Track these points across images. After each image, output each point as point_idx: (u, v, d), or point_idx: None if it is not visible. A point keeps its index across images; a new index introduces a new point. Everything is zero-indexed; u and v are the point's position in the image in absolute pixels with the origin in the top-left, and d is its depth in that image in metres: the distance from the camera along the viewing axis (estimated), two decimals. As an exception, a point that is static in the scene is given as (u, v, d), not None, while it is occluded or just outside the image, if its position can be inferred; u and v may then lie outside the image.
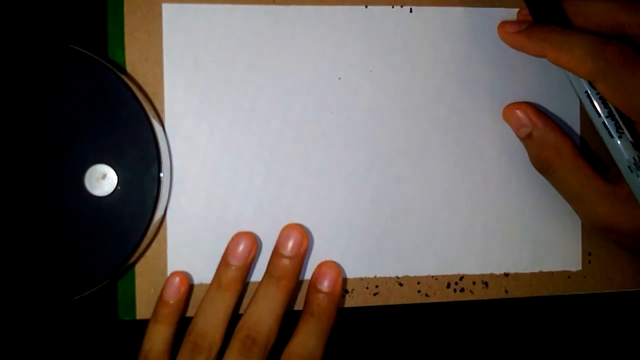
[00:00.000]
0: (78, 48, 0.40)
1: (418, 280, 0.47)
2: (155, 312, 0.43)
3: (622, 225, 0.42)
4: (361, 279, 0.46)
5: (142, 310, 0.45)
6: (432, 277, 0.47)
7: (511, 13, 0.47)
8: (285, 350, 0.43)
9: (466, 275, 0.47)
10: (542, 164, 0.44)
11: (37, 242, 0.40)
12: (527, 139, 0.45)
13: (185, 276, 0.44)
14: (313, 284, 0.45)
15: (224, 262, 0.44)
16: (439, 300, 0.47)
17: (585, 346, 0.49)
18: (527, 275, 0.48)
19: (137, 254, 0.42)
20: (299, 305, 0.46)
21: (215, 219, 0.45)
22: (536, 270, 0.48)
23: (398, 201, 0.47)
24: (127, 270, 0.44)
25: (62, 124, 0.40)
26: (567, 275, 0.48)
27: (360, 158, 0.46)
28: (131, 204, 0.41)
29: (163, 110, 0.44)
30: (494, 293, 0.47)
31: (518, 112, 0.45)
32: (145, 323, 0.44)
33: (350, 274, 0.46)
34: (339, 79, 0.46)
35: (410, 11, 0.46)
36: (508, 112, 0.46)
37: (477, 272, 0.47)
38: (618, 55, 0.39)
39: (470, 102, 0.47)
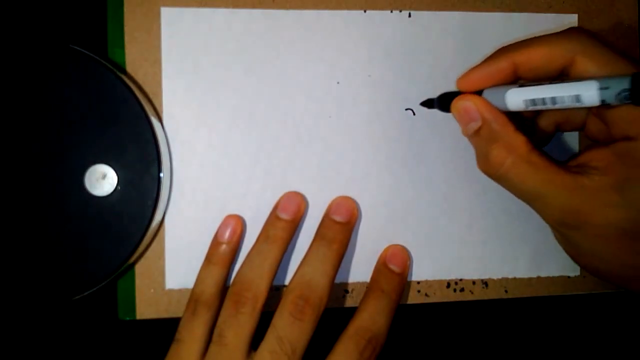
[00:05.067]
0: (78, 48, 0.39)
1: (418, 280, 0.46)
2: (208, 254, 0.43)
3: (594, 220, 0.36)
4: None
5: (142, 310, 0.44)
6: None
7: (509, 17, 0.46)
8: (352, 323, 0.41)
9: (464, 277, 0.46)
10: (492, 164, 0.38)
11: (37, 242, 0.39)
12: (475, 136, 0.39)
13: (240, 219, 0.43)
14: (383, 262, 0.44)
15: (274, 216, 0.43)
16: (439, 300, 0.46)
17: (585, 346, 0.48)
18: (527, 277, 0.46)
19: (137, 254, 0.41)
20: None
21: (213, 223, 0.44)
22: (534, 276, 0.46)
23: (396, 206, 0.45)
24: (127, 270, 0.43)
25: (62, 124, 0.39)
26: (566, 275, 0.47)
27: (359, 163, 0.45)
28: (131, 204, 0.40)
29: (162, 112, 0.43)
30: (494, 293, 0.46)
31: (467, 104, 0.39)
32: (145, 323, 0.43)
33: (347, 278, 0.45)
34: (338, 83, 0.45)
35: (409, 16, 0.45)
36: (456, 105, 0.39)
37: (476, 277, 0.46)
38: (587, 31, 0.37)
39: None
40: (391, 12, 0.45)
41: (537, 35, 0.40)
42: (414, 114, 0.44)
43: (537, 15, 0.45)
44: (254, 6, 0.44)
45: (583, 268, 0.41)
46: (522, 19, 0.45)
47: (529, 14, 0.45)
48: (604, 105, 0.34)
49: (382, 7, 0.45)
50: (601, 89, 0.34)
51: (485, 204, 0.46)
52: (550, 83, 0.36)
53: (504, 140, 0.38)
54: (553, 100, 0.36)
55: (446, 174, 0.45)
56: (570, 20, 0.46)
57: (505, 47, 0.39)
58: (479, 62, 0.40)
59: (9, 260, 0.39)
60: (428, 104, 0.44)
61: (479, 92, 0.39)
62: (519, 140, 0.37)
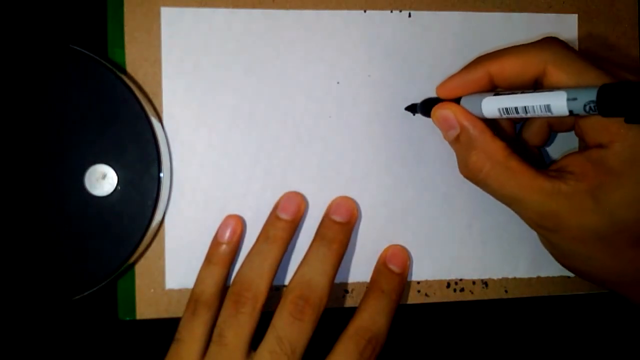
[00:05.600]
0: (78, 48, 0.39)
1: (418, 280, 0.46)
2: (208, 254, 0.43)
3: (570, 223, 0.37)
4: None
5: (142, 310, 0.44)
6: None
7: (509, 17, 0.46)
8: (352, 323, 0.41)
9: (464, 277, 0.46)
10: (470, 170, 0.39)
11: (37, 242, 0.39)
12: (455, 143, 0.40)
13: (240, 219, 0.43)
14: (383, 262, 0.44)
15: (274, 216, 0.43)
16: (439, 300, 0.46)
17: (584, 346, 0.48)
18: (527, 277, 0.46)
19: (137, 254, 0.41)
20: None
21: (213, 223, 0.44)
22: (534, 276, 0.46)
23: (396, 206, 0.45)
24: (127, 270, 0.43)
25: (62, 124, 0.39)
26: (566, 275, 0.47)
27: (359, 163, 0.45)
28: (131, 204, 0.40)
29: (162, 113, 0.43)
30: (493, 293, 0.46)
31: (446, 112, 0.40)
32: (145, 323, 0.43)
33: (347, 278, 0.45)
34: (338, 83, 0.45)
35: (409, 16, 0.45)
36: (436, 113, 0.41)
37: (476, 277, 0.46)
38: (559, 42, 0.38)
39: (468, 106, 0.45)
40: (391, 12, 0.45)
41: (537, 36, 0.40)
42: (414, 114, 0.44)
43: (537, 15, 0.45)
44: (254, 6, 0.43)
45: (567, 269, 0.42)
46: (522, 19, 0.45)
47: (529, 14, 0.45)
48: (574, 115, 0.35)
49: (382, 7, 0.45)
50: (569, 99, 0.34)
51: (485, 204, 0.45)
52: (523, 92, 0.37)
53: (482, 147, 0.39)
54: (525, 109, 0.36)
55: (446, 174, 0.45)
56: (570, 20, 0.46)
57: (481, 56, 0.40)
58: (456, 71, 0.41)
59: (9, 260, 0.39)
60: (412, 109, 0.44)
61: (457, 99, 0.40)
62: (496, 146, 0.38)
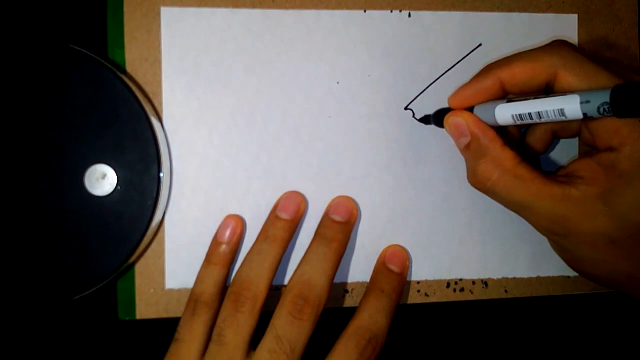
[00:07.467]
0: (78, 48, 0.39)
1: (418, 280, 0.45)
2: (208, 254, 0.43)
3: (581, 228, 0.37)
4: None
5: (142, 310, 0.44)
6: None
7: (509, 17, 0.46)
8: (352, 323, 0.41)
9: (464, 277, 0.46)
10: (479, 179, 0.40)
11: (37, 242, 0.39)
12: (465, 151, 0.40)
13: (240, 219, 0.43)
14: (382, 262, 0.44)
15: (274, 215, 0.43)
16: (439, 300, 0.46)
17: (585, 346, 0.48)
18: (527, 277, 0.46)
19: (137, 254, 0.41)
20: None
21: (213, 223, 0.44)
22: (534, 276, 0.46)
23: (396, 206, 0.45)
24: (127, 270, 0.43)
25: (62, 124, 0.39)
26: (566, 275, 0.47)
27: (359, 163, 0.45)
28: (131, 204, 0.40)
29: (162, 112, 0.43)
30: (494, 293, 0.46)
31: (458, 120, 0.40)
32: (145, 323, 0.43)
33: (347, 278, 0.45)
34: (338, 83, 0.45)
35: (409, 16, 0.45)
36: (448, 121, 0.41)
37: (475, 277, 0.46)
38: (568, 45, 0.38)
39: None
40: (391, 12, 0.45)
41: (537, 36, 0.40)
42: (414, 114, 0.44)
43: (537, 15, 0.45)
44: (254, 6, 0.43)
45: (577, 272, 0.42)
46: (522, 19, 0.45)
47: (529, 14, 0.45)
48: (587, 118, 0.35)
49: (382, 7, 0.45)
50: (583, 102, 0.34)
51: (485, 204, 0.45)
52: (536, 98, 0.37)
53: (492, 155, 0.39)
54: (539, 114, 0.36)
55: (446, 174, 0.45)
56: (570, 20, 0.46)
57: (491, 64, 0.40)
58: (467, 81, 0.41)
59: (9, 260, 0.39)
60: (425, 120, 0.44)
61: (471, 108, 0.40)
62: (506, 155, 0.38)
